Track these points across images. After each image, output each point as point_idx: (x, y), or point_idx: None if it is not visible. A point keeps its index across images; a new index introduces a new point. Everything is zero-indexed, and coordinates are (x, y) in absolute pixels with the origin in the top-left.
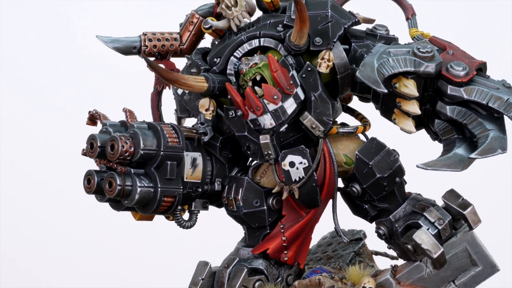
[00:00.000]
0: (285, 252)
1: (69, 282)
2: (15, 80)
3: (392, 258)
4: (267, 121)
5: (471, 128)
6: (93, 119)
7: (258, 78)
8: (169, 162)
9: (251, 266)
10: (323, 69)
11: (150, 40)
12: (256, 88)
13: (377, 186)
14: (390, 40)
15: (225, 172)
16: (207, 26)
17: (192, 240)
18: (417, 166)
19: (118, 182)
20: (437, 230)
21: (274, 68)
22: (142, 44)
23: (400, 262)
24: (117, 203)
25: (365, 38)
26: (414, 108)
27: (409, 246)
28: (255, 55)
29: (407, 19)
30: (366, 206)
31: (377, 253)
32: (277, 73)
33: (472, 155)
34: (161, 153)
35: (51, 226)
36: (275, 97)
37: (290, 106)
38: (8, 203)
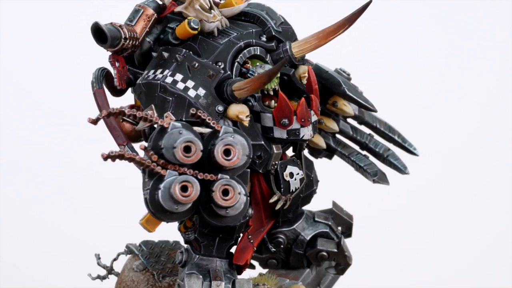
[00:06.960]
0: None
1: (69, 282)
2: (15, 81)
3: None
4: (308, 131)
5: (373, 147)
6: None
7: (277, 88)
8: (248, 170)
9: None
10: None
11: (129, 33)
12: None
13: (308, 198)
14: None
15: None
16: (197, 26)
17: None
18: (374, 181)
19: (239, 190)
20: (338, 238)
21: (317, 81)
22: (123, 37)
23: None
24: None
25: None
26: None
27: (324, 253)
28: (260, 64)
29: None
30: None
31: None
32: (318, 86)
33: (407, 172)
34: (250, 160)
35: (51, 227)
36: (319, 109)
37: (315, 118)
38: (7, 203)
